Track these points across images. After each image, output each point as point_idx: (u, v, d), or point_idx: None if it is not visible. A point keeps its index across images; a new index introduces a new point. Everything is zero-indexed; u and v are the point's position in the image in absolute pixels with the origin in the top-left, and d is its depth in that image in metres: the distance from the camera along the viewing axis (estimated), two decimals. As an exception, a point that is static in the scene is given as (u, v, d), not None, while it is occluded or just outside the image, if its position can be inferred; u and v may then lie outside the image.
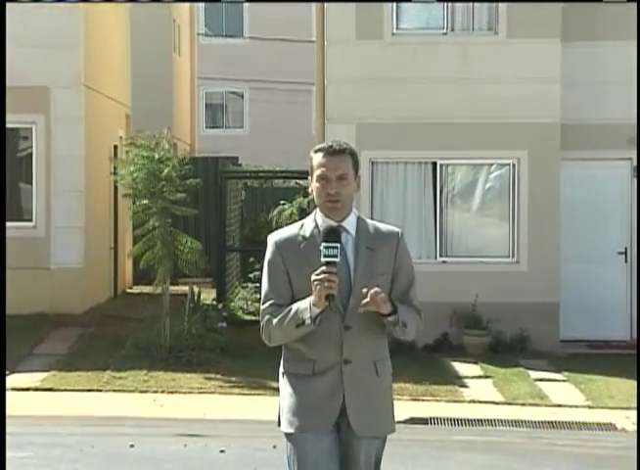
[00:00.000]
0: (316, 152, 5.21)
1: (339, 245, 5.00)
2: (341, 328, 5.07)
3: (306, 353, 5.14)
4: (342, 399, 5.11)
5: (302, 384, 5.15)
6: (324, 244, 4.98)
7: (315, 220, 5.22)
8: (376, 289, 4.93)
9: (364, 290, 4.92)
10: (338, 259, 4.96)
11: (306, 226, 5.23)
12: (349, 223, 5.22)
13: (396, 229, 5.35)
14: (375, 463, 5.24)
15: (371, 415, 5.17)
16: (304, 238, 5.18)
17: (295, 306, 5.03)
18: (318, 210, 5.24)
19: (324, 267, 4.90)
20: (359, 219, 5.28)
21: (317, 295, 4.89)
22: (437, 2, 18.43)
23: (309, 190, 5.32)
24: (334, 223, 5.15)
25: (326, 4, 18.87)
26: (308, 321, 4.95)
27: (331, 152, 5.16)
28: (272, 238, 5.24)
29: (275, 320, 5.07)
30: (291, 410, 5.15)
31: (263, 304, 5.18)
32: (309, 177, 5.27)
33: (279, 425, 5.24)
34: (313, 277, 4.89)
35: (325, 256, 4.94)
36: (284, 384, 5.23)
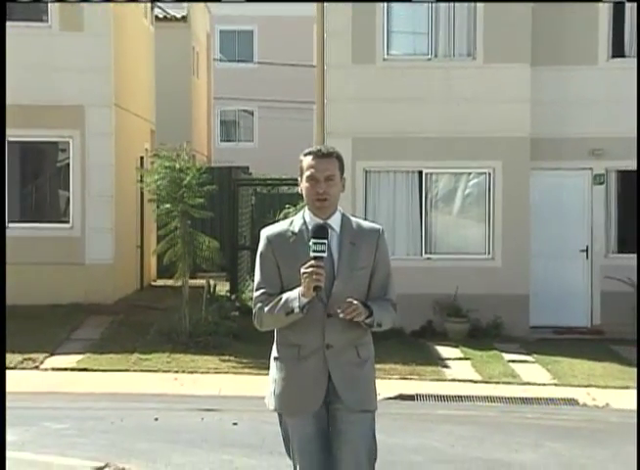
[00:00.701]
0: (306, 155, 5.14)
1: (326, 241, 4.94)
2: (323, 316, 4.98)
3: (293, 339, 5.06)
4: (327, 381, 5.03)
5: (290, 368, 5.08)
6: (313, 240, 4.91)
7: (304, 218, 5.14)
8: (352, 306, 4.86)
9: (339, 310, 4.86)
10: (325, 255, 4.90)
11: (295, 223, 5.15)
12: (334, 221, 5.12)
13: (377, 226, 5.27)
14: (369, 435, 5.11)
15: (358, 391, 5.08)
16: (293, 233, 5.09)
17: (285, 296, 4.95)
18: (306, 208, 5.17)
19: (313, 262, 4.83)
20: (343, 217, 5.19)
21: (306, 286, 4.83)
22: (437, 2, 18.40)
23: (299, 190, 5.22)
24: (321, 221, 5.07)
25: (325, 33, 18.87)
26: (297, 310, 4.88)
27: (319, 155, 5.09)
28: (264, 232, 5.17)
29: (266, 308, 5.01)
30: (280, 393, 5.11)
31: (256, 291, 5.12)
32: (299, 178, 5.18)
33: (274, 409, 5.18)
34: (302, 270, 4.83)
35: (314, 251, 4.88)
36: (273, 368, 5.18)
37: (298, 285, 4.88)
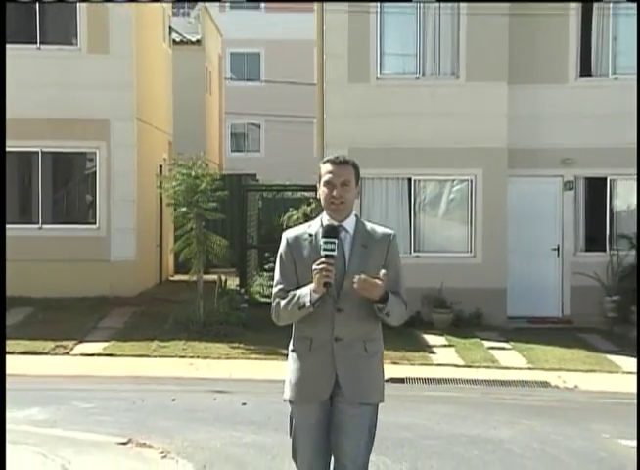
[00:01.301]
0: (324, 162, 5.01)
1: (336, 241, 4.80)
2: (333, 310, 4.82)
3: (306, 332, 4.90)
4: (334, 372, 4.86)
5: (302, 359, 4.93)
6: (323, 239, 4.80)
7: (321, 221, 4.99)
8: (365, 277, 4.71)
9: (356, 277, 4.70)
10: (335, 253, 4.75)
11: (314, 226, 4.99)
12: (349, 224, 4.96)
13: (390, 231, 5.09)
14: (369, 428, 4.95)
15: (360, 385, 4.89)
16: (310, 235, 4.94)
17: (298, 292, 4.81)
18: (325, 212, 5.01)
19: (323, 259, 4.71)
20: (358, 221, 5.03)
21: (317, 282, 4.69)
22: (437, 2, 18.39)
23: (317, 195, 5.12)
24: (335, 223, 4.92)
25: (324, 55, 18.88)
26: (308, 304, 4.73)
27: (337, 162, 4.95)
28: (285, 235, 5.01)
29: (282, 303, 4.86)
30: (292, 383, 4.95)
31: (274, 288, 5.00)
32: (317, 184, 5.03)
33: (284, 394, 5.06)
34: (314, 267, 4.70)
35: (324, 249, 4.74)
36: (289, 359, 5.03)
37: (312, 282, 4.75)
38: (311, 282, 4.75)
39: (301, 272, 4.86)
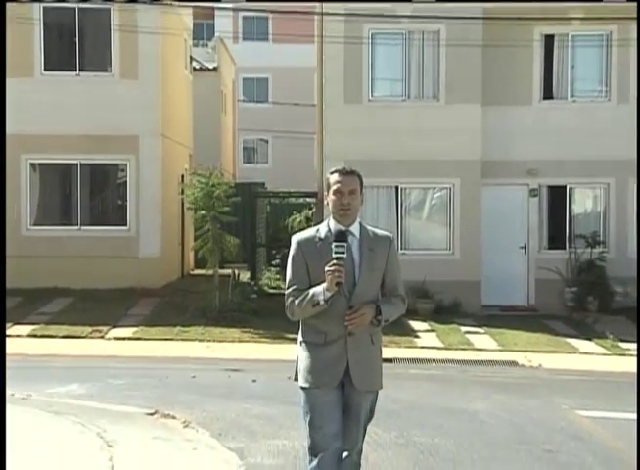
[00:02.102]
0: (332, 173, 4.82)
1: (346, 244, 4.62)
2: (346, 308, 4.63)
3: (320, 327, 4.70)
4: (346, 362, 4.69)
5: (316, 350, 4.72)
6: (335, 243, 4.60)
7: (328, 225, 4.79)
8: (359, 314, 4.62)
9: (351, 318, 4.62)
10: (345, 256, 4.58)
11: (321, 230, 4.79)
12: (355, 228, 4.80)
13: (389, 234, 4.97)
14: (370, 411, 4.86)
15: (368, 374, 4.77)
16: (320, 239, 4.73)
17: (311, 291, 4.62)
18: (331, 217, 4.81)
19: (334, 261, 4.54)
20: (362, 225, 4.86)
21: (329, 282, 4.52)
22: (437, 2, 18.29)
23: (325, 202, 4.87)
24: (343, 228, 4.73)
25: (323, 79, 18.86)
26: (322, 302, 4.57)
27: (344, 173, 4.79)
28: (295, 238, 4.83)
29: (297, 301, 4.67)
30: (307, 370, 4.75)
31: (288, 288, 4.78)
32: (325, 193, 4.85)
33: (296, 380, 4.85)
34: (326, 268, 4.53)
35: (335, 252, 4.56)
36: (302, 350, 4.81)
37: (323, 281, 4.58)
38: (323, 282, 4.59)
39: (313, 273, 4.69)
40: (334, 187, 4.76)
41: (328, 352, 4.70)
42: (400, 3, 18.36)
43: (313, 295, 4.61)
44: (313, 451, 4.74)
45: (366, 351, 4.74)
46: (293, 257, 4.79)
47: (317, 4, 19.59)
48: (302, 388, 4.77)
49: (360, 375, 4.70)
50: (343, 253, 4.58)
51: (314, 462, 4.73)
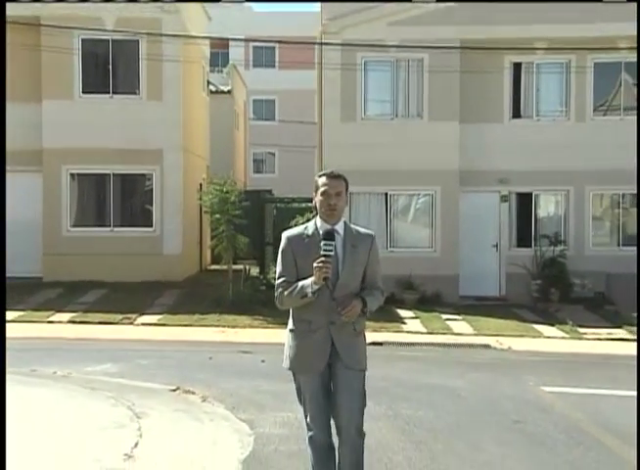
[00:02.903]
0: (320, 176, 4.62)
1: (334, 243, 4.41)
2: (329, 300, 4.44)
3: (306, 316, 4.51)
4: (330, 347, 4.49)
5: (303, 337, 4.54)
6: (323, 242, 4.39)
7: (316, 224, 4.57)
8: (349, 306, 4.43)
9: (341, 309, 4.42)
10: (332, 253, 4.38)
11: (309, 228, 4.59)
12: (340, 227, 4.56)
13: (371, 232, 4.72)
14: (361, 393, 4.60)
15: (355, 355, 4.56)
16: (308, 236, 4.53)
17: (300, 283, 4.43)
18: (318, 216, 4.60)
19: (323, 258, 4.34)
20: (346, 224, 4.62)
21: (317, 276, 4.33)
22: (437, 2, 18.30)
23: (314, 202, 4.64)
24: (329, 227, 4.51)
25: (323, 101, 18.87)
26: (310, 294, 4.38)
27: (331, 176, 4.57)
28: (285, 234, 4.63)
29: (286, 292, 4.49)
30: (294, 356, 4.59)
31: (277, 279, 4.61)
32: (314, 194, 4.61)
33: (285, 365, 4.68)
34: (315, 264, 4.32)
35: (324, 250, 4.36)
36: (290, 337, 4.64)
37: (310, 275, 4.38)
38: (310, 275, 4.39)
39: (301, 266, 4.49)
40: (321, 189, 4.55)
41: (313, 339, 4.50)
42: (390, 31, 18.36)
43: (302, 287, 4.42)
44: (308, 426, 4.66)
45: (349, 336, 4.54)
46: (282, 251, 4.60)
47: (317, 36, 19.58)
48: (290, 371, 4.67)
49: (347, 354, 4.52)
50: (331, 251, 4.38)
51: (308, 436, 4.67)
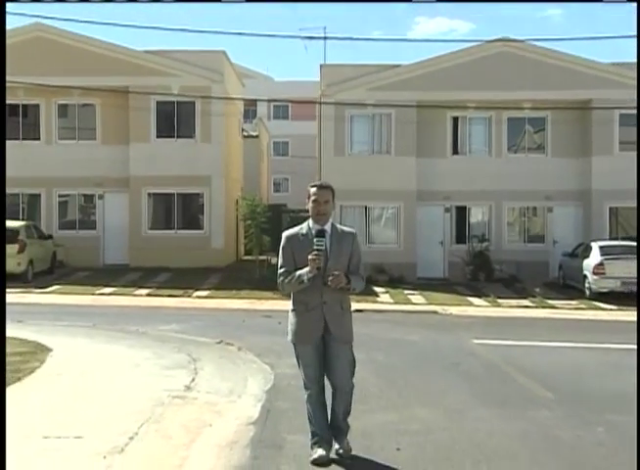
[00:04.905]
0: (312, 187, 4.18)
1: (324, 239, 4.04)
2: (321, 284, 4.02)
3: (303, 298, 4.11)
4: (324, 323, 4.07)
5: (301, 315, 4.13)
6: (316, 239, 4.00)
7: (309, 225, 4.13)
8: (337, 278, 3.99)
9: (330, 277, 3.99)
10: (323, 248, 4.01)
11: (304, 228, 4.14)
12: (328, 227, 4.12)
13: (353, 230, 4.28)
14: (350, 361, 4.19)
15: (343, 329, 4.13)
16: (302, 234, 4.11)
17: (297, 273, 4.03)
18: (311, 219, 4.16)
19: (315, 252, 3.96)
20: (333, 224, 4.17)
21: (311, 266, 3.95)
22: (437, 2, 18.46)
23: (307, 208, 4.17)
24: (320, 227, 4.10)
25: (321, 142, 18.83)
26: (306, 281, 3.99)
27: (321, 187, 4.17)
28: (284, 234, 4.19)
29: (286, 280, 4.08)
30: (294, 330, 4.15)
31: (279, 269, 4.15)
32: (307, 200, 4.15)
33: (288, 339, 4.23)
34: (309, 257, 3.95)
35: (316, 245, 3.98)
36: (291, 315, 4.20)
37: (306, 265, 3.99)
38: (306, 265, 3.99)
39: (297, 259, 4.06)
40: (312, 197, 4.12)
41: (310, 317, 4.09)
42: (368, 95, 18.34)
43: (299, 275, 4.02)
44: (305, 386, 4.25)
45: (338, 314, 4.11)
46: (283, 247, 4.16)
47: (318, 98, 19.57)
48: (292, 342, 4.22)
49: (336, 330, 4.10)
50: (322, 246, 4.00)
51: (306, 395, 4.24)
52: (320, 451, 4.11)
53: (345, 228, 4.26)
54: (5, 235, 13.97)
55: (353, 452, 4.27)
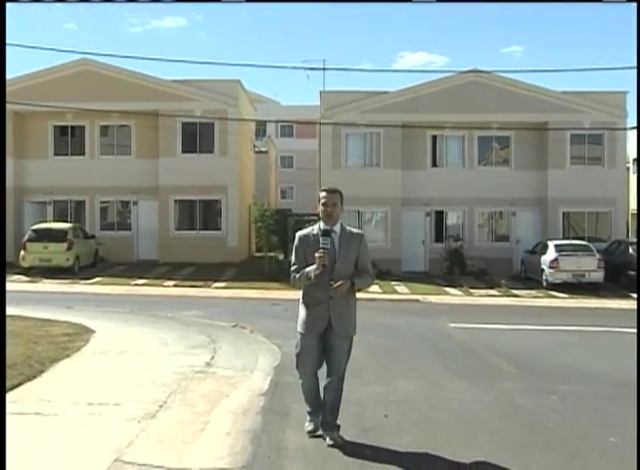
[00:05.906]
0: (321, 191, 3.95)
1: (329, 239, 3.80)
2: (329, 281, 3.77)
3: (312, 293, 3.84)
4: (328, 317, 3.82)
5: (309, 308, 3.87)
6: (322, 238, 3.79)
7: (319, 226, 3.88)
8: (339, 285, 3.74)
9: (335, 284, 3.75)
10: (329, 247, 3.77)
11: (315, 228, 3.89)
12: (337, 228, 3.88)
13: (361, 232, 4.02)
14: (347, 351, 3.93)
15: (344, 324, 3.86)
16: (313, 235, 3.85)
17: (306, 270, 3.79)
18: (321, 220, 3.92)
19: (321, 250, 3.74)
20: (342, 226, 3.92)
21: (317, 264, 3.73)
22: (437, 2, 18.37)
23: (318, 210, 3.94)
24: (328, 228, 3.86)
25: (321, 156, 18.83)
26: (312, 277, 3.76)
27: (329, 191, 3.94)
28: (298, 234, 3.93)
29: (297, 276, 3.83)
30: (303, 321, 3.90)
31: (292, 267, 3.89)
32: (317, 203, 3.93)
33: (299, 329, 3.94)
34: (315, 255, 3.74)
35: (322, 244, 3.77)
36: (301, 308, 3.94)
37: (314, 263, 3.77)
38: (314, 263, 3.77)
39: (307, 256, 3.82)
40: (322, 200, 3.89)
41: (317, 310, 3.84)
42: (361, 117, 18.32)
43: (307, 273, 3.78)
44: (300, 374, 3.99)
45: (343, 309, 3.85)
46: (295, 246, 3.91)
47: (318, 119, 19.57)
48: (299, 332, 3.93)
49: (338, 325, 3.84)
50: (327, 244, 3.78)
51: (301, 382, 4.01)
52: (312, 426, 4.02)
53: (354, 230, 4.00)
54: (5, 235, 14.04)
55: (350, 422, 4.17)
